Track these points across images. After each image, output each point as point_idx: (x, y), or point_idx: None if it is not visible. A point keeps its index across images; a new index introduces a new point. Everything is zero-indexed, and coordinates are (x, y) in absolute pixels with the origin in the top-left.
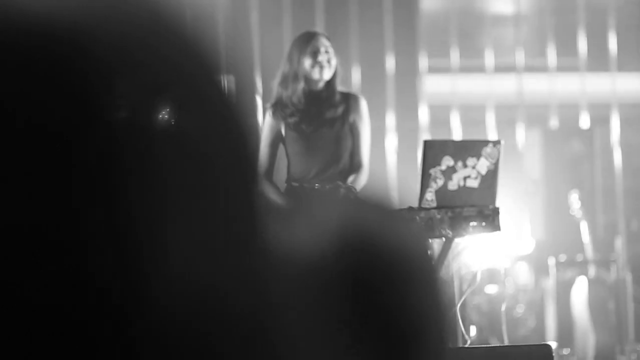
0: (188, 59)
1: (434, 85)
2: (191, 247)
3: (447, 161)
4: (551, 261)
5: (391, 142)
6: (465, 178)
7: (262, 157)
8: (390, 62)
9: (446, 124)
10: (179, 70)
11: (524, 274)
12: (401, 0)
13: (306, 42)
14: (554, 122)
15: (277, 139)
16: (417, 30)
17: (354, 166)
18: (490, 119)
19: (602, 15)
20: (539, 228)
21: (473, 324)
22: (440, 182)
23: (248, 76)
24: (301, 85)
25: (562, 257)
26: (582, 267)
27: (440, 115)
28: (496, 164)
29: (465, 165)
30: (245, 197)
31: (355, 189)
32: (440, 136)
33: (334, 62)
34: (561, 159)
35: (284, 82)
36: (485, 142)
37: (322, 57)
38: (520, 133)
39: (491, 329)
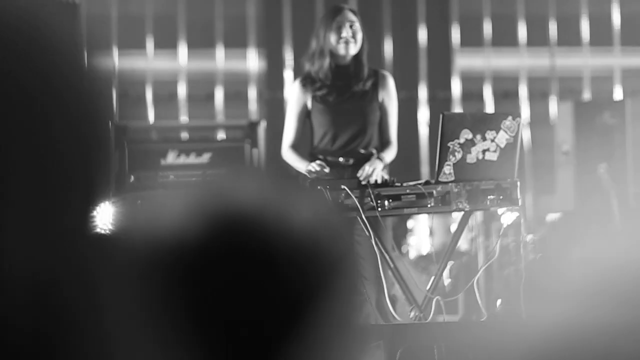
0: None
1: (466, 58)
2: (27, 238)
3: (466, 134)
4: (579, 233)
5: (423, 114)
6: (484, 151)
7: (289, 128)
8: (422, 34)
9: (479, 96)
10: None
11: (552, 246)
12: None
13: (332, 17)
14: (586, 94)
15: (303, 111)
16: (450, 2)
17: (384, 143)
18: (523, 91)
19: None
20: (568, 199)
21: (499, 296)
22: (458, 156)
23: (279, 50)
24: (327, 60)
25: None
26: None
27: (473, 87)
28: (516, 137)
29: (484, 139)
30: (81, 185)
31: (384, 160)
32: (473, 108)
33: (359, 36)
34: (592, 131)
35: (312, 57)
36: (505, 115)
37: (346, 33)
38: (553, 105)
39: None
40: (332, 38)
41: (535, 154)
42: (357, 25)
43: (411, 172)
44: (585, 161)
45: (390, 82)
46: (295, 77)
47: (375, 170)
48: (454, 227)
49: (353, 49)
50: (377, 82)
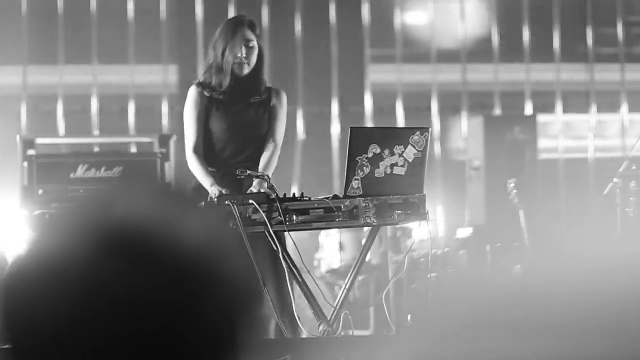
0: None
1: (378, 73)
2: None
3: (374, 149)
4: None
5: (335, 128)
6: (392, 166)
7: (189, 132)
8: (335, 49)
9: (391, 111)
10: None
11: (463, 260)
12: None
13: (230, 33)
14: (497, 110)
15: (201, 114)
16: (362, 18)
17: (268, 144)
18: (434, 106)
19: (547, 7)
20: (479, 214)
21: (410, 310)
22: (366, 170)
23: (191, 65)
24: (227, 79)
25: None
26: (518, 254)
27: (385, 102)
28: (424, 152)
29: (392, 153)
30: None
31: (269, 177)
32: (385, 123)
33: (253, 57)
34: (503, 146)
35: (209, 70)
36: (413, 130)
37: (241, 53)
38: (464, 120)
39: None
40: (229, 57)
41: (446, 168)
42: (254, 43)
43: (324, 186)
44: (496, 176)
45: (284, 97)
46: None
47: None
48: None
49: (246, 69)
50: (271, 95)
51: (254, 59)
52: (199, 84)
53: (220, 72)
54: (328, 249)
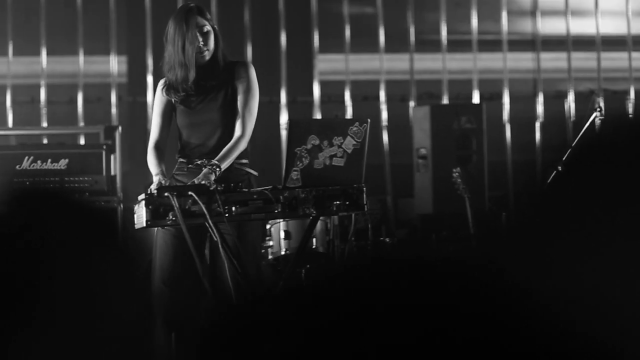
0: None
1: (326, 63)
2: None
3: (313, 140)
4: (434, 236)
5: (284, 118)
6: (331, 157)
7: (152, 128)
8: (283, 39)
9: (339, 100)
10: None
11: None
12: None
13: (185, 25)
14: (445, 98)
15: (166, 110)
16: (311, 8)
17: (235, 132)
18: (382, 95)
19: None
20: (426, 203)
21: None
22: (305, 161)
23: (141, 55)
24: (192, 73)
25: (445, 233)
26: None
27: (333, 91)
28: (363, 143)
29: (331, 144)
30: None
31: (219, 168)
32: (334, 112)
33: (211, 41)
34: (450, 135)
35: (172, 69)
36: (352, 121)
37: (198, 42)
38: (411, 109)
39: None
40: (189, 50)
41: (394, 158)
42: (208, 27)
43: (273, 176)
44: (442, 165)
45: (246, 72)
46: (155, 82)
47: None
48: (318, 230)
49: (208, 56)
50: (234, 75)
51: (211, 43)
52: (163, 83)
53: (184, 68)
54: (275, 237)
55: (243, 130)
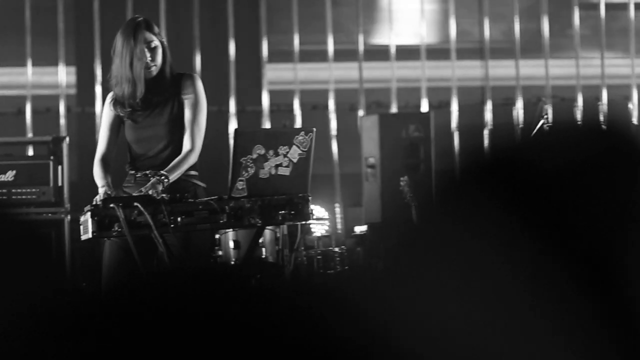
0: None
1: (275, 72)
2: None
3: (259, 150)
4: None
5: (233, 127)
6: (276, 166)
7: (99, 141)
8: (232, 48)
9: (288, 109)
10: None
11: (360, 258)
12: None
13: (133, 40)
14: (394, 107)
15: (113, 123)
16: (260, 16)
17: (185, 145)
18: (331, 104)
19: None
20: (375, 212)
21: None
22: (251, 171)
23: (90, 66)
24: (139, 86)
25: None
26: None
27: (282, 100)
28: (308, 152)
29: (277, 154)
30: None
31: (167, 179)
32: (283, 121)
33: (159, 57)
34: (398, 144)
35: (119, 84)
36: (298, 131)
37: (145, 58)
38: (360, 118)
39: None
40: (137, 66)
41: (343, 167)
42: (156, 42)
43: (222, 186)
44: (391, 174)
45: (192, 85)
46: (105, 93)
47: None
48: (263, 239)
49: (155, 71)
50: (180, 88)
51: (159, 58)
52: (113, 98)
53: (132, 84)
54: (224, 247)
55: (192, 144)
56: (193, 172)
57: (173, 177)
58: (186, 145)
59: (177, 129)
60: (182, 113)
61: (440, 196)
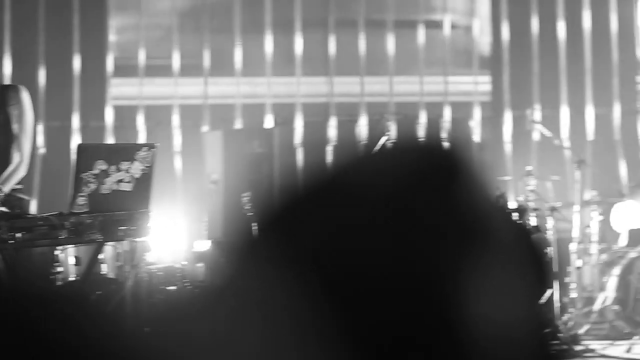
0: None
1: (120, 87)
2: None
3: (101, 165)
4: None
5: (76, 143)
6: (118, 182)
7: None
8: (77, 63)
9: (132, 125)
10: None
11: (200, 274)
12: (90, 1)
13: None
14: (238, 123)
15: None
16: (106, 31)
17: (13, 156)
18: (176, 120)
19: (289, 14)
20: (217, 228)
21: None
22: (92, 186)
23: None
24: None
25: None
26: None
27: (126, 116)
28: (151, 168)
29: (118, 169)
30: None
31: (2, 192)
32: (127, 137)
33: None
34: (241, 160)
35: None
36: (140, 146)
37: None
38: (202, 134)
39: None
40: None
41: (186, 182)
42: None
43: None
44: (233, 190)
45: (17, 96)
46: None
47: None
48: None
49: None
50: (5, 100)
51: None
52: None
53: None
54: (64, 263)
55: (21, 156)
56: (19, 186)
57: (6, 189)
58: (16, 157)
59: (3, 140)
60: (8, 124)
61: (280, 213)
